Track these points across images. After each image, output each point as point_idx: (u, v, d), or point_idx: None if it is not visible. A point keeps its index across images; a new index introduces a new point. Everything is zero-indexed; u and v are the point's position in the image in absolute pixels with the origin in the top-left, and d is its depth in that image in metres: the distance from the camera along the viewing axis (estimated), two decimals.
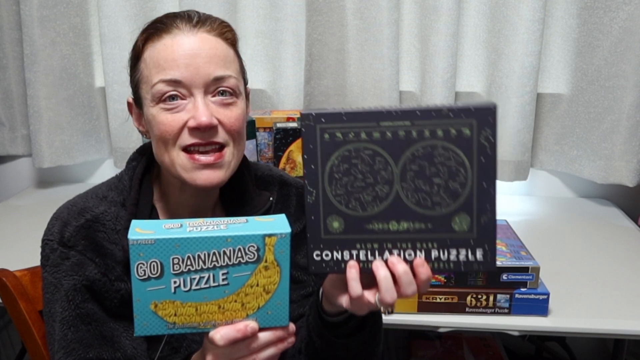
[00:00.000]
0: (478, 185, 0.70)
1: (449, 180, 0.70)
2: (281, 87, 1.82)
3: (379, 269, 0.72)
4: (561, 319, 1.15)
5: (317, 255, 0.75)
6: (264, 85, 1.85)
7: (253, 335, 0.72)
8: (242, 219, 0.73)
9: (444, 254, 0.72)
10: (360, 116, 0.70)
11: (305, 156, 0.72)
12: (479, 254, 0.71)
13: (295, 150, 1.65)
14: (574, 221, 1.69)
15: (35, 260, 1.07)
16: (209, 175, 0.84)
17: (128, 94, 0.92)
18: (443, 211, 0.71)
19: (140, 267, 0.68)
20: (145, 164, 0.92)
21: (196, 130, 0.82)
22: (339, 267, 0.74)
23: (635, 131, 1.66)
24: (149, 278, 0.68)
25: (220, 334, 0.71)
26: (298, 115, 1.70)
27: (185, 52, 0.82)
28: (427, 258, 0.72)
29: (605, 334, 1.16)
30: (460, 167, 0.70)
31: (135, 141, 1.85)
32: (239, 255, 0.69)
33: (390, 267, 0.72)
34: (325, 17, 1.74)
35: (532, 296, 1.13)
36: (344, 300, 0.77)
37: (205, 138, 0.83)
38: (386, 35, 1.69)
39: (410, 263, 0.72)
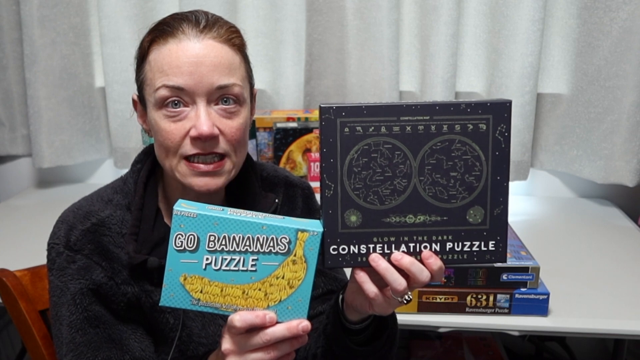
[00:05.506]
0: (492, 178, 0.73)
1: (465, 174, 0.73)
2: (281, 87, 1.82)
3: (378, 262, 0.73)
4: (561, 319, 1.15)
5: (333, 249, 0.74)
6: (264, 85, 1.85)
7: (270, 325, 0.72)
8: (280, 216, 0.76)
9: (458, 245, 0.74)
10: (380, 110, 0.71)
11: (324, 150, 0.72)
12: (491, 245, 0.74)
13: (295, 150, 1.65)
14: (574, 221, 1.69)
15: (35, 260, 1.08)
16: (207, 182, 0.85)
17: (130, 92, 0.92)
18: (458, 204, 0.73)
19: (179, 238, 0.71)
20: (150, 166, 0.92)
21: (197, 139, 0.82)
22: (355, 261, 0.75)
23: (635, 131, 1.66)
24: (184, 250, 0.71)
25: (240, 315, 0.72)
26: (298, 115, 1.70)
27: (190, 59, 0.81)
28: (442, 250, 0.74)
29: (605, 334, 1.16)
30: (476, 161, 0.72)
31: (135, 141, 1.85)
32: (271, 244, 0.72)
33: (395, 264, 0.73)
34: (325, 17, 1.74)
35: (532, 296, 1.13)
36: (367, 305, 0.78)
37: (206, 148, 0.83)
38: (386, 35, 1.69)
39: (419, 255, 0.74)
